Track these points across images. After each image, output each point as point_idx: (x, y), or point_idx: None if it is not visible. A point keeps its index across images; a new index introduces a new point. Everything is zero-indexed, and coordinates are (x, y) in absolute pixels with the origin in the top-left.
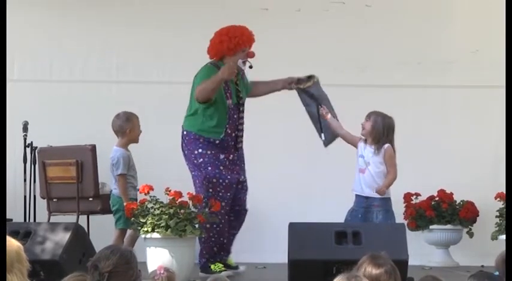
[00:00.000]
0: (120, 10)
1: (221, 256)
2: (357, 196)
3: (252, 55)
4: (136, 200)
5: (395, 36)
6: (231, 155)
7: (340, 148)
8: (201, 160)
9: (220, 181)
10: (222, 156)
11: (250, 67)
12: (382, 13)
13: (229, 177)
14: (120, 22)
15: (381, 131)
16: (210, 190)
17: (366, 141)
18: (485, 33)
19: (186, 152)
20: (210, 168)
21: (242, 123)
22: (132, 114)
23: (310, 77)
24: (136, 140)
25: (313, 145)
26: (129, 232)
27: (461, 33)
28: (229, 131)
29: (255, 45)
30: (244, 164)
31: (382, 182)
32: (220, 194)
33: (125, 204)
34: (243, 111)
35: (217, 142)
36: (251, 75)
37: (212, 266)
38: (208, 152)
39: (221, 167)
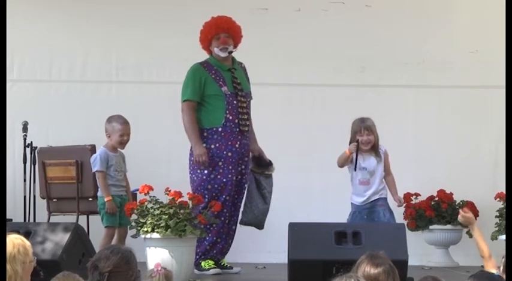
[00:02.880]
0: (120, 10)
1: (213, 253)
2: (358, 205)
3: (223, 41)
4: (120, 196)
5: (395, 36)
6: (238, 142)
7: (339, 149)
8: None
9: (216, 185)
10: (227, 148)
11: (230, 52)
12: (382, 13)
13: (224, 180)
14: (120, 22)
15: (378, 136)
16: (206, 196)
17: (357, 151)
18: (485, 33)
19: (191, 151)
20: (206, 171)
21: (245, 112)
22: (118, 119)
23: (271, 164)
24: (117, 146)
25: (313, 146)
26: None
27: (461, 33)
28: (231, 117)
29: (255, 45)
30: (248, 157)
31: (383, 186)
32: (216, 198)
33: (105, 199)
34: (244, 98)
35: (219, 129)
36: (253, 73)
37: (203, 263)
38: (213, 146)
39: (220, 163)
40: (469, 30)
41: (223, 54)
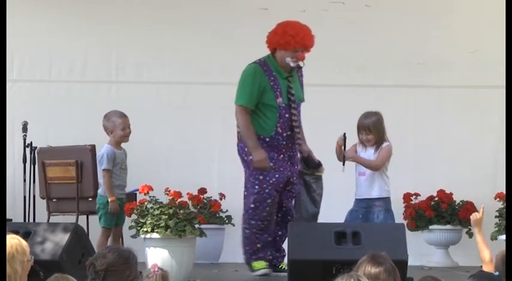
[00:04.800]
0: (120, 10)
1: (266, 254)
2: (357, 199)
3: (301, 58)
4: (120, 200)
5: (395, 36)
6: (282, 155)
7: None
8: (251, 157)
9: (267, 178)
10: (271, 153)
11: (299, 67)
12: (382, 13)
13: (276, 175)
14: (120, 22)
15: (383, 134)
16: (257, 187)
17: (362, 144)
18: (485, 33)
19: (238, 147)
20: (259, 172)
21: (296, 125)
22: (116, 113)
23: (320, 165)
24: (122, 140)
25: (313, 146)
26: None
27: (461, 33)
28: (280, 130)
29: (255, 45)
30: (297, 166)
31: (380, 184)
32: (267, 190)
33: (109, 200)
34: (295, 110)
35: (267, 139)
36: None
37: (254, 264)
38: None
39: (271, 163)
40: (469, 30)
41: (292, 65)
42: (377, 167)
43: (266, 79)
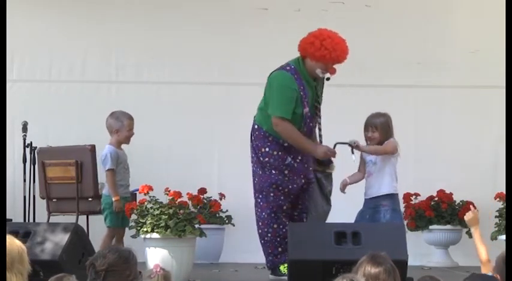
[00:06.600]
0: (120, 10)
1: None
2: (366, 199)
3: (333, 72)
4: (125, 199)
5: (395, 36)
6: (300, 156)
7: (340, 149)
8: (267, 159)
9: (280, 188)
10: (289, 159)
11: (328, 79)
12: (382, 13)
13: (290, 186)
14: (120, 22)
15: (389, 135)
16: (272, 194)
17: (367, 142)
18: (485, 33)
19: (254, 145)
20: (274, 172)
21: (319, 133)
22: (125, 114)
23: (330, 162)
24: (125, 141)
25: None
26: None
27: (461, 33)
28: None
29: (255, 45)
30: (310, 166)
31: (388, 180)
32: (282, 199)
33: (113, 199)
34: (319, 117)
35: (285, 144)
36: (252, 73)
37: (282, 267)
38: (275, 153)
39: (286, 172)
40: (469, 30)
41: (320, 76)
42: (382, 151)
43: (298, 90)
